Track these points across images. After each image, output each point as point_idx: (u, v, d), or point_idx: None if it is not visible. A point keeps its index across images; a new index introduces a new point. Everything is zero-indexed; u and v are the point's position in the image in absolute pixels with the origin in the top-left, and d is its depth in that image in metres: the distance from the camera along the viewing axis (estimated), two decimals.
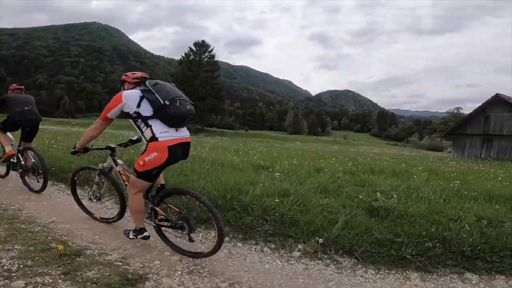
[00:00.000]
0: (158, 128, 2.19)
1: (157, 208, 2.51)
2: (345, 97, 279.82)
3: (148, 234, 2.44)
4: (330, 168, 6.48)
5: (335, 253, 2.77)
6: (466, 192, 4.76)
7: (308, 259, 2.64)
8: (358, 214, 3.49)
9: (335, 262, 2.66)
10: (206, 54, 50.20)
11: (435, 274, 2.61)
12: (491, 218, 3.41)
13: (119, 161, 2.80)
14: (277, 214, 3.25)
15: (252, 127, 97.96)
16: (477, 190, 4.91)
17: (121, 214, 2.94)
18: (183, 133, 2.34)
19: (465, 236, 3.00)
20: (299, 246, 2.79)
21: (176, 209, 2.54)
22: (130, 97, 2.27)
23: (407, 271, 2.62)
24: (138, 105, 2.22)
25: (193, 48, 50.27)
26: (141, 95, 2.24)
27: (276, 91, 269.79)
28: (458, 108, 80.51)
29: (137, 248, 2.44)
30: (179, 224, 2.38)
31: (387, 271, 2.59)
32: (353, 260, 2.71)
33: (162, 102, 2.16)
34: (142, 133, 2.25)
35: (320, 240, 2.79)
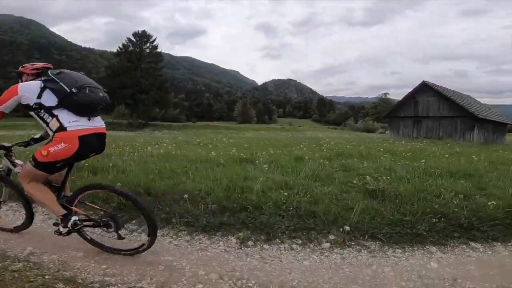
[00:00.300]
0: (66, 118, 2.02)
1: (74, 208, 2.25)
2: (288, 85, 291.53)
3: (77, 218, 2.15)
4: (307, 155, 6.58)
5: (362, 238, 2.78)
6: (432, 170, 5.29)
7: (339, 249, 2.59)
8: (361, 198, 3.58)
9: (364, 247, 2.67)
10: (148, 44, 46.92)
11: (448, 246, 2.79)
12: (463, 193, 3.80)
13: (17, 161, 2.47)
14: (291, 208, 3.13)
15: (200, 119, 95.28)
16: (439, 167, 5.49)
17: (29, 221, 2.58)
18: (97, 123, 2.18)
19: (456, 210, 3.30)
20: (330, 236, 2.72)
21: (97, 206, 2.38)
22: (27, 89, 2.08)
23: (426, 246, 2.75)
24: (39, 96, 2.04)
25: (132, 38, 46.50)
26: (42, 85, 2.07)
27: (223, 81, 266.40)
28: (385, 94, 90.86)
29: (163, 272, 2.04)
30: (104, 222, 2.18)
31: (410, 249, 2.69)
32: (377, 242, 2.75)
33: (68, 90, 2.01)
34: (48, 124, 2.05)
35: (347, 228, 2.76)
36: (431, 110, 22.19)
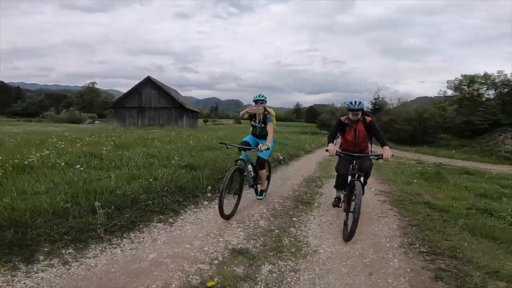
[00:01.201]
0: None
1: None
2: None
3: None
4: (100, 152, 6.39)
5: (214, 193, 4.33)
6: (197, 147, 7.75)
7: (213, 202, 3.99)
8: (189, 171, 5.04)
9: (225, 197, 4.25)
10: None
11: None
12: (223, 158, 6.50)
13: None
14: (165, 189, 3.92)
15: None
16: (197, 146, 8.06)
17: None
18: None
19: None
20: (208, 195, 4.00)
21: None
22: None
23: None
24: None
25: None
26: None
27: None
28: (93, 83, 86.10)
29: (186, 259, 2.35)
30: None
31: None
32: (231, 193, 4.34)
33: None
34: None
35: (210, 188, 4.21)
36: (153, 101, 26.02)
